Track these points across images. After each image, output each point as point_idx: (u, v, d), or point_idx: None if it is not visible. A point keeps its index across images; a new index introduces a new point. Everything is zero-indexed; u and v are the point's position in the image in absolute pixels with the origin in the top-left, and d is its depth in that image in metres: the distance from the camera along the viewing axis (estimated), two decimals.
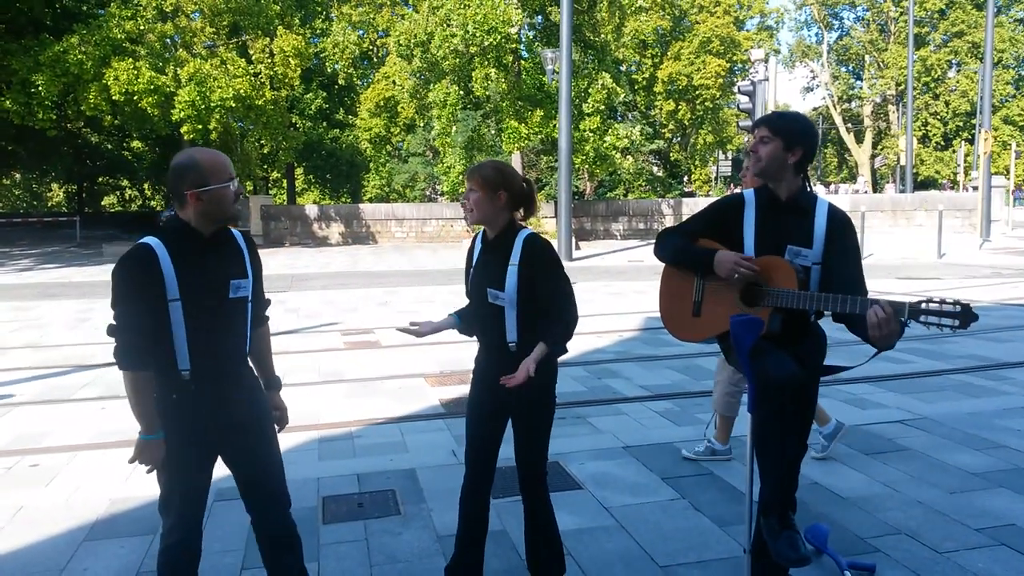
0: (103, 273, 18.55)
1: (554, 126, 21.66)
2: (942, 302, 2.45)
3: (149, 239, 2.47)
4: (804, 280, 2.76)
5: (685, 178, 44.63)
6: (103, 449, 5.16)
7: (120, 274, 2.43)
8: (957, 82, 48.35)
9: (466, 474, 3.09)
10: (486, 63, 22.35)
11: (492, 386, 2.94)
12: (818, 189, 52.49)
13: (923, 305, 2.44)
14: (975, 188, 25.93)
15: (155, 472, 2.55)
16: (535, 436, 3.00)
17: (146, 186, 51.12)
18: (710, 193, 42.70)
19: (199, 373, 2.48)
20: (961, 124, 48.15)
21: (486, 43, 21.42)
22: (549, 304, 2.87)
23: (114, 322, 2.46)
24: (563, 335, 2.87)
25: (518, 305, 2.85)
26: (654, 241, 3.11)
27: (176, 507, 2.57)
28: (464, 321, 3.10)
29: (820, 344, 2.93)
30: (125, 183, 50.96)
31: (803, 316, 2.84)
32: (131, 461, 2.49)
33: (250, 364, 2.73)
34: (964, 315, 2.39)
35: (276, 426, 2.80)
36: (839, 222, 2.88)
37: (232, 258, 2.59)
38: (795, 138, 2.81)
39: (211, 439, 2.55)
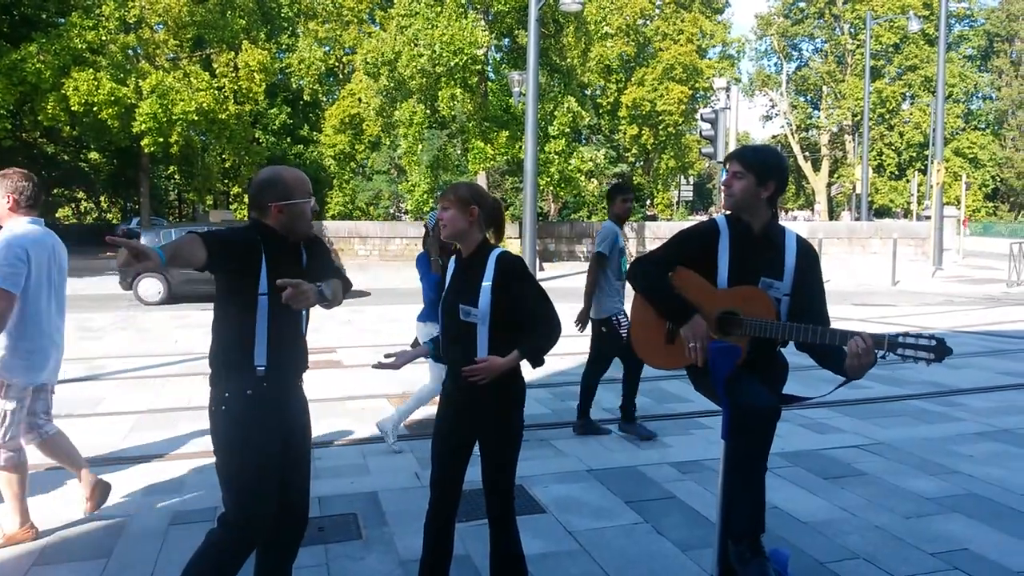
0: None
1: (520, 147, 21.81)
2: (918, 336, 2.53)
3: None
4: (778, 311, 2.82)
5: (648, 202, 45.16)
6: (57, 469, 5.00)
7: (224, 229, 2.62)
8: (911, 114, 49.87)
9: (432, 498, 3.05)
10: (453, 83, 22.45)
11: (461, 409, 2.94)
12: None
13: (900, 339, 2.52)
14: (927, 217, 26.69)
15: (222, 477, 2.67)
16: (504, 460, 2.99)
17: (103, 198, 50.11)
18: (671, 217, 43.23)
19: (271, 373, 2.64)
20: (914, 155, 49.59)
21: (453, 63, 21.52)
22: (529, 318, 2.88)
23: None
24: (540, 346, 2.86)
25: (490, 323, 2.85)
26: (627, 268, 3.14)
27: (247, 506, 2.62)
28: (439, 347, 3.09)
29: (784, 371, 2.98)
30: (81, 195, 49.86)
31: (771, 344, 2.89)
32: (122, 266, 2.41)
33: (302, 384, 2.88)
34: (939, 349, 2.46)
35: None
36: (808, 255, 2.95)
37: (295, 264, 2.75)
38: (768, 173, 2.87)
39: (278, 436, 2.67)
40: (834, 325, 2.82)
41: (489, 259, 2.91)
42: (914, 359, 2.51)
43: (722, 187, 3.02)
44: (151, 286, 15.03)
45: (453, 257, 3.07)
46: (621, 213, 5.78)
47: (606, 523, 4.13)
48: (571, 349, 9.52)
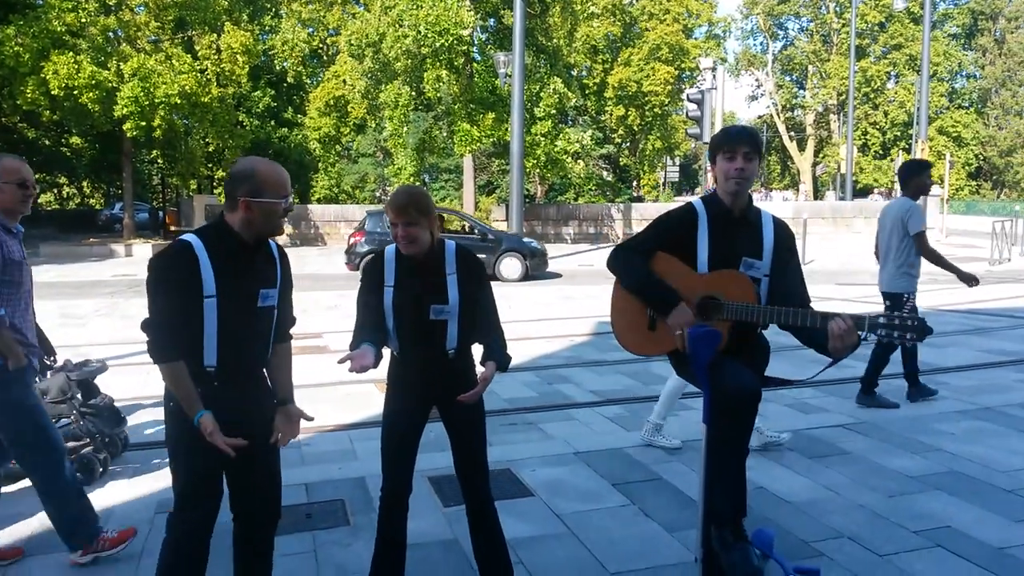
0: (38, 274, 17.92)
1: (506, 129, 21.72)
2: (899, 316, 2.54)
3: (189, 236, 2.53)
4: (758, 293, 2.82)
5: (634, 183, 45.14)
6: None
7: (156, 268, 2.50)
8: (895, 93, 49.96)
9: (389, 489, 2.98)
10: (438, 65, 22.28)
11: (423, 394, 2.96)
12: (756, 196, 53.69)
13: (881, 319, 2.52)
14: None
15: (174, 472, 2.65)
16: (479, 444, 3.04)
17: (85, 184, 49.53)
18: (658, 198, 43.25)
19: (223, 372, 2.55)
20: (899, 134, 49.74)
21: (438, 44, 21.36)
22: (486, 316, 2.95)
23: (148, 315, 2.51)
24: (505, 348, 2.95)
25: (460, 314, 2.87)
26: (608, 256, 3.12)
27: (190, 506, 2.61)
28: (377, 347, 2.85)
29: (765, 354, 2.99)
30: (63, 180, 49.24)
31: (751, 327, 2.90)
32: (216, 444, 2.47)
33: (264, 374, 2.78)
34: (920, 329, 2.47)
35: (279, 438, 2.75)
36: (785, 233, 2.97)
37: (265, 267, 2.66)
38: (763, 153, 2.91)
39: (229, 436, 2.57)
40: (818, 304, 2.84)
41: (447, 252, 2.91)
42: (896, 339, 2.52)
43: (732, 172, 2.90)
44: (512, 266, 16.19)
45: (388, 258, 2.93)
46: (924, 189, 5.98)
47: (593, 506, 4.16)
48: (558, 332, 9.58)
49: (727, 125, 3.41)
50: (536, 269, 16.45)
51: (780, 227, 2.99)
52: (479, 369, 2.94)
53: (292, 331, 2.89)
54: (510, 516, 3.89)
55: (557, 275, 17.38)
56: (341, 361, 2.70)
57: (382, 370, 3.06)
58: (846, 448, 5.05)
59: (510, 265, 16.22)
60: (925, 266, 6.11)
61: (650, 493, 4.33)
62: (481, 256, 15.79)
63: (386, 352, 2.98)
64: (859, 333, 2.59)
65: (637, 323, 3.00)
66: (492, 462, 3.24)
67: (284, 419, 2.77)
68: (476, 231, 16.79)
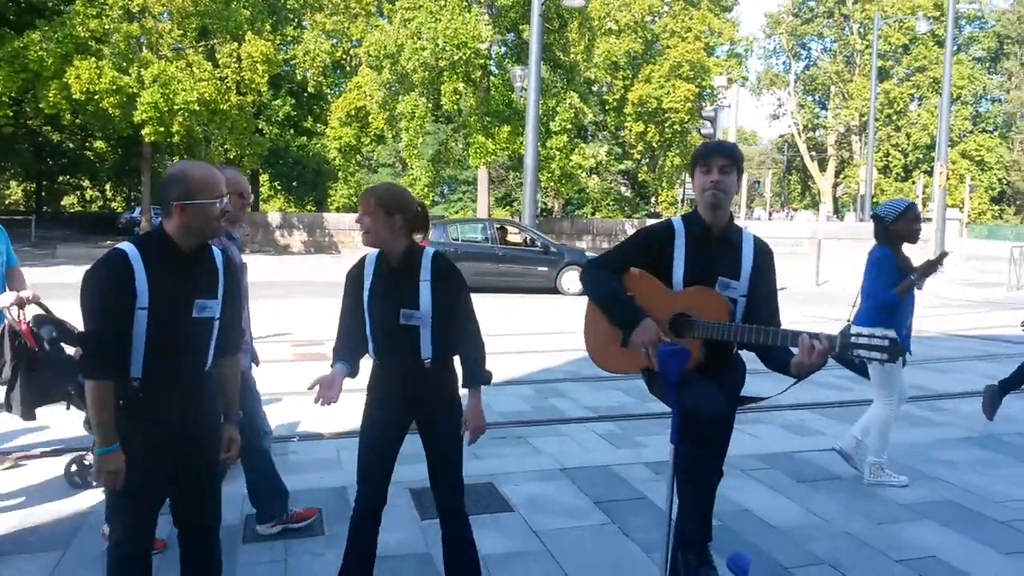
0: (53, 275, 18.07)
1: (521, 143, 21.75)
2: (871, 335, 2.47)
3: (124, 245, 2.46)
4: (732, 312, 2.76)
5: (653, 199, 45.05)
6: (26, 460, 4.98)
7: (92, 281, 2.42)
8: (918, 115, 49.57)
9: (362, 500, 2.97)
10: (455, 77, 22.40)
11: (402, 404, 2.92)
12: (777, 216, 53.30)
13: (852, 338, 2.46)
14: (929, 220, 26.49)
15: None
16: (455, 457, 2.99)
17: (108, 187, 50.29)
18: (676, 214, 43.08)
19: (149, 382, 2.46)
20: (921, 156, 49.32)
21: (456, 57, 21.48)
22: (463, 326, 2.89)
23: (83, 328, 2.45)
24: (484, 362, 2.91)
25: (432, 322, 2.82)
26: (580, 271, 3.08)
27: (124, 516, 2.54)
28: (352, 363, 2.92)
29: (741, 374, 2.93)
30: (86, 183, 50.04)
31: (727, 346, 2.83)
32: (95, 483, 2.42)
33: (208, 384, 2.65)
34: (892, 349, 2.40)
35: (223, 456, 2.71)
36: (764, 256, 2.90)
37: (204, 277, 2.56)
38: (742, 167, 2.84)
39: (156, 448, 2.50)
40: (824, 327, 2.76)
41: (424, 259, 2.87)
42: (867, 359, 2.45)
43: (708, 184, 2.82)
44: (574, 279, 15.81)
45: (369, 263, 2.95)
46: None
47: (573, 523, 4.08)
48: (559, 346, 9.49)
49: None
50: None
51: (760, 248, 2.92)
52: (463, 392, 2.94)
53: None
54: (487, 531, 3.83)
55: None
56: (310, 387, 2.73)
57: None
58: (839, 473, 4.94)
59: (572, 278, 16.11)
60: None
61: (633, 512, 4.24)
62: (543, 269, 15.61)
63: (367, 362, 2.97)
64: (830, 351, 2.52)
65: (610, 340, 2.95)
66: (476, 475, 3.18)
67: (227, 436, 2.71)
68: (538, 244, 16.60)
